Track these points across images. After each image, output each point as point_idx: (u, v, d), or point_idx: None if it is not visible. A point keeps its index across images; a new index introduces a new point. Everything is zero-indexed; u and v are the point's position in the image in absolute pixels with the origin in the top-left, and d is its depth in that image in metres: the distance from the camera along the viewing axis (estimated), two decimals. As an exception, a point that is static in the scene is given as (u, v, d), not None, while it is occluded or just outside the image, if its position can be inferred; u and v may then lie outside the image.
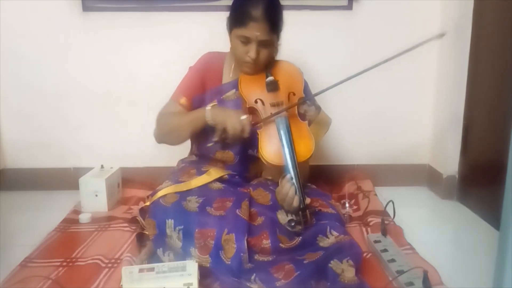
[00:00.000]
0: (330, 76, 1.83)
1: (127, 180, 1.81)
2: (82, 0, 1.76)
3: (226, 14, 1.43)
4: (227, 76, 1.49)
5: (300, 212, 1.21)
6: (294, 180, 1.23)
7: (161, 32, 1.80)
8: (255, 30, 1.32)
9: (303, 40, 1.80)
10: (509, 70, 1.46)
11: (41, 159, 1.90)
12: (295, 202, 1.20)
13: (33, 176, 1.90)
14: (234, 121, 1.28)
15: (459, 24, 1.69)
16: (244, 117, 1.29)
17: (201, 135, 1.47)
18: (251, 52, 1.35)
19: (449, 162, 1.79)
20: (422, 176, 1.94)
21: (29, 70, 1.83)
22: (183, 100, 1.45)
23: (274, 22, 1.35)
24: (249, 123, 1.29)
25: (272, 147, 1.31)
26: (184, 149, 1.67)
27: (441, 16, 1.80)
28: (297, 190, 1.22)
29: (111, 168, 1.71)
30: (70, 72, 1.84)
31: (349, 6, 1.79)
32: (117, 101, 1.86)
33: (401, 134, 1.92)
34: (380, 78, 1.86)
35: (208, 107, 1.35)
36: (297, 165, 1.26)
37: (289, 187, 1.22)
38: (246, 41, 1.35)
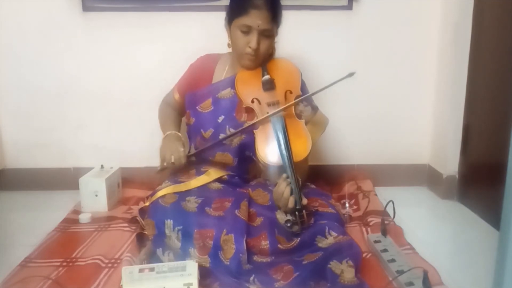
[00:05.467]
0: (330, 76, 1.84)
1: (127, 180, 1.81)
2: (82, 0, 1.76)
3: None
4: (219, 76, 1.50)
5: (296, 213, 1.21)
6: (290, 180, 1.23)
7: (161, 32, 1.80)
8: (257, 19, 1.33)
9: (303, 40, 1.79)
10: (509, 70, 1.46)
11: (41, 159, 1.90)
12: (290, 203, 1.20)
13: (33, 176, 1.90)
14: (168, 155, 1.37)
15: (459, 24, 1.69)
16: (181, 149, 1.39)
17: (195, 139, 1.49)
18: (252, 42, 1.36)
19: (449, 162, 1.79)
20: (422, 176, 1.93)
21: (29, 70, 1.83)
22: (177, 96, 1.57)
23: (274, 11, 1.37)
24: (185, 156, 1.39)
25: (269, 147, 1.31)
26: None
27: (441, 16, 1.80)
28: (293, 190, 1.22)
29: (111, 168, 1.71)
30: (70, 72, 1.84)
31: (349, 6, 1.78)
32: (117, 101, 1.86)
33: (401, 134, 1.92)
34: (380, 78, 1.87)
35: (168, 133, 1.48)
36: (293, 165, 1.26)
37: (284, 187, 1.21)
38: (248, 30, 1.36)
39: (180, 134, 1.49)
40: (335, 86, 1.82)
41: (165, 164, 1.38)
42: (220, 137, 1.42)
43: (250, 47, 1.37)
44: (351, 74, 1.32)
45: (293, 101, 1.38)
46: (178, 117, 1.61)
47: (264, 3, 1.33)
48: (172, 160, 1.36)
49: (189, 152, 1.64)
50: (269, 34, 1.38)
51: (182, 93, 1.55)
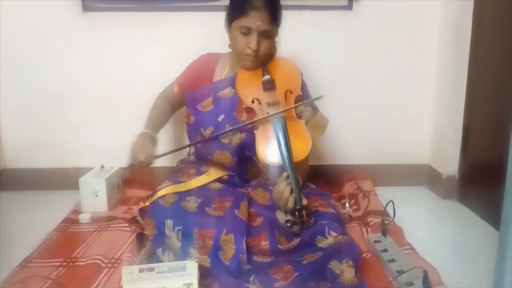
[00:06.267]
0: (330, 76, 1.85)
1: (127, 180, 1.81)
2: (82, 0, 1.76)
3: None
4: (220, 76, 1.50)
5: (296, 213, 1.21)
6: (289, 180, 1.23)
7: (161, 32, 1.80)
8: (256, 20, 1.33)
9: (303, 40, 1.79)
10: (509, 70, 1.46)
11: (41, 159, 1.90)
12: (290, 203, 1.20)
13: (33, 176, 1.90)
14: (137, 154, 1.37)
15: (459, 24, 1.69)
16: (151, 149, 1.40)
17: (195, 138, 1.49)
18: (252, 43, 1.36)
19: (449, 162, 1.79)
20: (422, 176, 1.93)
21: (29, 70, 1.83)
22: (176, 89, 1.57)
23: (274, 12, 1.37)
24: (153, 156, 1.40)
25: (269, 147, 1.31)
26: (183, 149, 1.67)
27: (441, 16, 1.80)
28: (293, 190, 1.22)
29: (111, 168, 1.71)
30: (70, 72, 1.84)
31: (349, 6, 1.78)
32: (117, 101, 1.86)
33: (401, 134, 1.92)
34: (380, 78, 1.87)
35: (143, 131, 1.48)
36: (293, 165, 1.26)
37: (284, 187, 1.21)
38: (247, 31, 1.36)
39: (155, 135, 1.49)
40: (335, 86, 1.84)
41: (133, 162, 1.38)
42: (219, 137, 1.42)
43: (250, 48, 1.37)
44: (319, 97, 1.38)
45: (294, 105, 1.38)
46: (170, 112, 1.62)
47: (263, 4, 1.33)
48: (141, 159, 1.36)
49: (188, 153, 1.64)
50: (269, 34, 1.38)
51: (181, 88, 1.55)
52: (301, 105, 1.42)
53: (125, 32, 1.81)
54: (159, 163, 1.81)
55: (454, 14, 1.71)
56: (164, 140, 1.82)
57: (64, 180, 1.86)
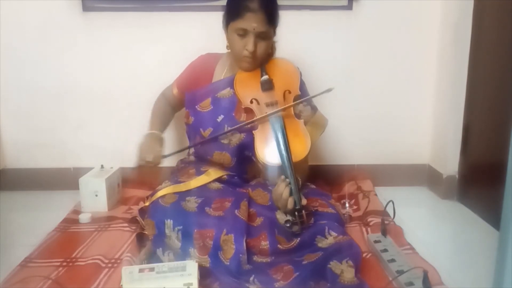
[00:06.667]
0: (330, 76, 1.85)
1: (127, 180, 1.81)
2: (82, 0, 1.76)
3: (225, 13, 1.44)
4: (219, 76, 1.50)
5: (296, 213, 1.21)
6: (289, 181, 1.23)
7: (161, 32, 1.80)
8: (252, 22, 1.33)
9: (303, 40, 1.79)
10: (509, 70, 1.46)
11: (41, 159, 1.90)
12: (290, 204, 1.20)
13: (33, 176, 1.90)
14: (145, 154, 1.37)
15: (459, 24, 1.69)
16: (159, 149, 1.40)
17: (195, 138, 1.49)
18: (249, 44, 1.36)
19: (449, 162, 1.79)
20: (422, 176, 1.93)
21: (29, 70, 1.83)
22: (175, 91, 1.58)
23: (270, 13, 1.36)
24: (161, 156, 1.39)
25: (268, 147, 1.31)
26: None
27: (441, 16, 1.80)
28: (292, 191, 1.21)
29: (111, 168, 1.71)
30: (70, 72, 1.84)
31: (349, 6, 1.78)
32: (117, 101, 1.86)
33: (401, 134, 1.92)
34: (380, 78, 1.87)
35: (150, 131, 1.48)
36: (292, 165, 1.26)
37: (283, 188, 1.21)
38: (244, 33, 1.36)
39: (162, 135, 1.49)
40: (335, 86, 1.82)
41: (141, 162, 1.38)
42: (219, 137, 1.42)
43: (247, 50, 1.37)
44: (329, 90, 1.34)
45: (292, 103, 1.38)
46: (171, 113, 1.63)
47: (259, 5, 1.33)
48: (149, 159, 1.36)
49: (188, 153, 1.64)
50: (265, 36, 1.38)
51: (181, 89, 1.55)
52: (300, 104, 1.42)
53: (125, 32, 1.81)
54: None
55: (454, 14, 1.71)
56: (166, 141, 1.82)
57: (64, 180, 1.86)
